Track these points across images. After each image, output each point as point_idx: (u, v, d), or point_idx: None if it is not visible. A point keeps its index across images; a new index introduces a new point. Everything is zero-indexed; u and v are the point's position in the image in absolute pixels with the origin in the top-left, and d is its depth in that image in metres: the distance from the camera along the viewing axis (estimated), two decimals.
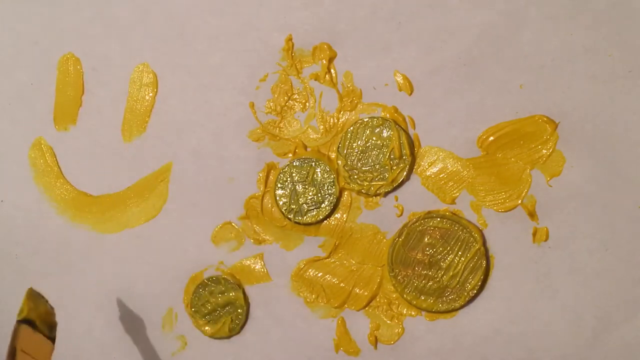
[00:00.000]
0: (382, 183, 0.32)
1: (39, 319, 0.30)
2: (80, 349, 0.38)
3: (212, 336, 0.35)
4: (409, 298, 0.32)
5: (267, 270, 0.35)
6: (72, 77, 0.37)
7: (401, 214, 0.32)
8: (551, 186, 0.30)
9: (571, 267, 0.30)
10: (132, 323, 0.37)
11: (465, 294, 0.31)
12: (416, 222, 0.32)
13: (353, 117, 0.33)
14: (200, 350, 0.36)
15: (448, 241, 0.31)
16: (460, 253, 0.31)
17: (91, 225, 0.37)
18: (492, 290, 0.31)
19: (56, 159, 0.37)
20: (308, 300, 0.34)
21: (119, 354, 0.37)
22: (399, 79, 0.32)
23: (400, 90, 0.32)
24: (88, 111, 0.37)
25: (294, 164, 0.33)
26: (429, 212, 0.32)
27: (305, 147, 0.33)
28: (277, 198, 0.34)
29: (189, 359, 0.36)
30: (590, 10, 0.29)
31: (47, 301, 0.31)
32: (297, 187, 0.33)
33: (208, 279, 0.35)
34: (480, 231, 0.31)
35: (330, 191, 0.33)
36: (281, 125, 0.34)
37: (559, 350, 0.31)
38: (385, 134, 0.32)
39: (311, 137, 0.33)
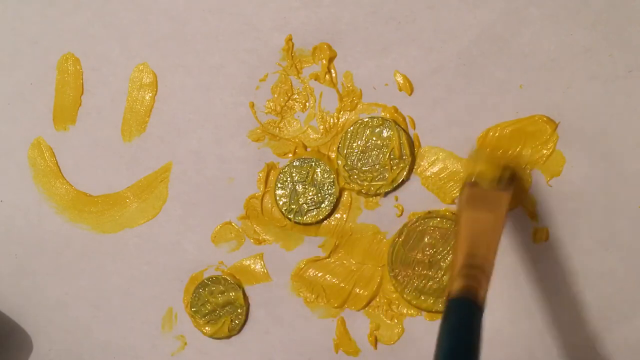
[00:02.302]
0: (382, 183, 0.32)
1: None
2: (80, 349, 0.38)
3: (212, 336, 0.35)
4: (409, 298, 0.32)
5: (267, 270, 0.35)
6: (72, 76, 0.37)
7: (401, 214, 0.32)
8: (551, 186, 0.30)
9: (571, 267, 0.30)
10: (132, 323, 0.37)
11: None
12: (416, 222, 0.32)
13: (353, 117, 0.33)
14: (200, 350, 0.36)
15: (448, 241, 0.31)
16: None
17: (91, 225, 0.37)
18: (492, 290, 0.31)
19: (55, 159, 0.37)
20: (308, 300, 0.34)
21: (119, 354, 0.37)
22: (399, 79, 0.32)
23: (400, 90, 0.32)
24: (87, 111, 0.37)
25: (294, 164, 0.33)
26: (429, 212, 0.32)
27: (305, 147, 0.33)
28: (277, 198, 0.34)
29: (188, 359, 0.36)
30: (590, 10, 0.29)
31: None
32: (297, 187, 0.33)
33: (208, 279, 0.35)
34: None
35: (330, 191, 0.33)
36: (281, 125, 0.34)
37: (559, 350, 0.31)
38: (385, 134, 0.32)
39: (311, 137, 0.33)
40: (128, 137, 0.36)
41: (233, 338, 0.35)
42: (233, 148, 0.34)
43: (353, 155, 0.32)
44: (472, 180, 0.28)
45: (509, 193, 0.28)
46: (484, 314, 0.24)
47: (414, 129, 0.32)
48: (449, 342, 0.23)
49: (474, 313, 0.24)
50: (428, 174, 0.32)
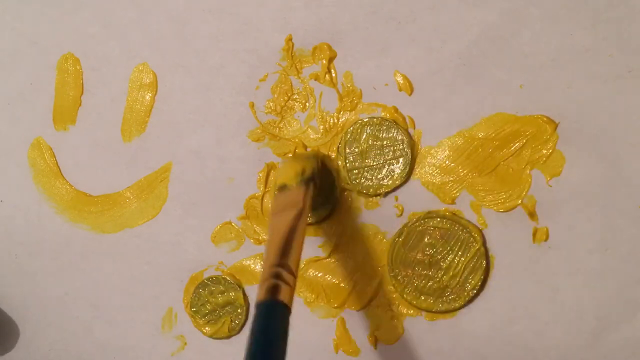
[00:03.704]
0: (382, 183, 0.32)
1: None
2: (80, 349, 0.38)
3: (212, 336, 0.35)
4: (409, 298, 0.32)
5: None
6: (72, 77, 0.37)
7: (401, 214, 0.32)
8: (551, 186, 0.30)
9: (571, 267, 0.30)
10: (131, 323, 0.37)
11: (465, 294, 0.31)
12: (416, 222, 0.32)
13: (353, 117, 0.33)
14: (200, 350, 0.36)
15: (448, 241, 0.31)
16: (460, 253, 0.31)
17: (90, 225, 0.37)
18: (492, 290, 0.31)
19: (55, 159, 0.37)
20: (308, 300, 0.34)
21: (119, 354, 0.37)
22: (399, 79, 0.32)
23: (400, 90, 0.32)
24: (87, 111, 0.37)
25: None
26: (429, 212, 0.32)
27: (305, 147, 0.33)
28: None
29: (188, 359, 0.36)
30: (590, 10, 0.29)
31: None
32: None
33: (208, 279, 0.35)
34: (480, 231, 0.31)
35: (330, 191, 0.33)
36: (281, 125, 0.34)
37: (559, 350, 0.31)
38: (385, 134, 0.32)
39: (311, 137, 0.33)
40: (128, 137, 0.36)
41: (233, 338, 0.35)
42: (233, 148, 0.34)
43: (353, 155, 0.32)
44: (277, 187, 0.30)
45: (310, 186, 0.29)
46: (290, 312, 0.25)
47: (414, 128, 0.32)
48: (256, 343, 0.23)
49: (278, 312, 0.24)
50: (428, 174, 0.32)
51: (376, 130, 0.32)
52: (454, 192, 0.32)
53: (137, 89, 0.36)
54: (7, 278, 0.38)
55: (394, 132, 0.32)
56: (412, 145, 0.32)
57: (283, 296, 0.25)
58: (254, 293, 0.35)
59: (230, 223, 0.35)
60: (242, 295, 0.35)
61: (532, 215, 0.31)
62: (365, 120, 0.32)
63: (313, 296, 0.34)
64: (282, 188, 0.30)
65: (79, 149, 0.37)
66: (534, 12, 0.30)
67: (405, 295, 0.32)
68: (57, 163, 0.37)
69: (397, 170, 0.32)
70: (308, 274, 0.34)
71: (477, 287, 0.31)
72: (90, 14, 0.36)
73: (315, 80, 0.33)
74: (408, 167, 0.32)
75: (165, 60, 0.35)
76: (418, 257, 0.32)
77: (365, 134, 0.32)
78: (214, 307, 0.35)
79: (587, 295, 0.30)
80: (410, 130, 0.32)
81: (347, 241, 0.33)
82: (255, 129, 0.34)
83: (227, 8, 0.34)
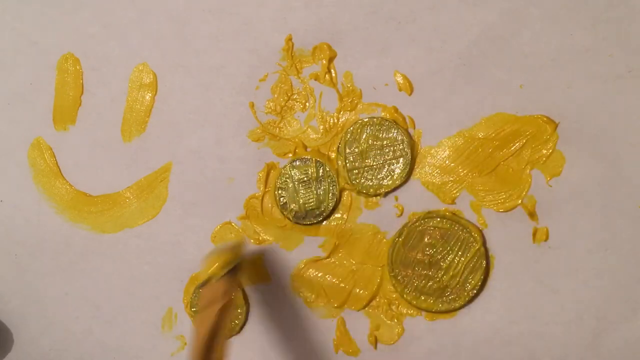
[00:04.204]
0: (382, 183, 0.32)
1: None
2: (80, 349, 0.38)
3: None
4: (409, 298, 0.32)
5: (267, 270, 0.35)
6: (72, 76, 0.37)
7: (401, 214, 0.32)
8: (551, 186, 0.30)
9: (571, 267, 0.30)
10: (132, 323, 0.37)
11: (465, 294, 0.31)
12: (416, 222, 0.32)
13: (353, 117, 0.33)
14: None
15: (448, 241, 0.31)
16: (460, 253, 0.31)
17: (90, 225, 0.37)
18: (492, 290, 0.31)
19: (55, 159, 0.37)
20: (308, 300, 0.34)
21: (119, 354, 0.37)
22: (399, 79, 0.32)
23: (400, 90, 0.32)
24: (87, 111, 0.37)
25: (294, 164, 0.33)
26: (429, 212, 0.32)
27: (305, 147, 0.33)
28: (277, 198, 0.34)
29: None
30: (590, 10, 0.29)
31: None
32: (297, 187, 0.33)
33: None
34: (480, 231, 0.31)
35: (330, 191, 0.33)
36: (281, 125, 0.34)
37: (559, 350, 0.31)
38: (385, 134, 0.32)
39: (311, 137, 0.33)
40: (128, 137, 0.36)
41: (233, 338, 0.35)
42: (233, 148, 0.34)
43: (353, 155, 0.32)
44: (201, 282, 0.31)
45: (235, 277, 0.31)
46: None
47: (414, 128, 0.32)
48: None
49: None
50: (428, 174, 0.32)
51: (376, 130, 0.32)
52: (454, 192, 0.32)
53: (137, 89, 0.36)
54: (6, 278, 0.38)
55: (394, 132, 0.32)
56: (412, 145, 0.32)
57: None
58: (254, 293, 0.35)
59: (230, 223, 0.35)
60: (242, 295, 0.35)
61: (532, 215, 0.31)
62: (365, 120, 0.32)
63: (313, 296, 0.34)
64: (206, 282, 0.31)
65: (79, 149, 0.37)
66: (534, 12, 0.30)
67: (405, 295, 0.32)
68: (57, 163, 0.37)
69: (397, 170, 0.32)
70: (308, 274, 0.34)
71: (477, 287, 0.31)
72: (90, 14, 0.36)
73: (315, 80, 0.33)
74: (408, 167, 0.32)
75: (165, 60, 0.35)
76: (418, 257, 0.32)
77: (365, 134, 0.32)
78: None
79: (587, 295, 0.30)
80: (410, 130, 0.32)
81: (347, 241, 0.33)
82: (255, 129, 0.34)
83: (227, 8, 0.34)
